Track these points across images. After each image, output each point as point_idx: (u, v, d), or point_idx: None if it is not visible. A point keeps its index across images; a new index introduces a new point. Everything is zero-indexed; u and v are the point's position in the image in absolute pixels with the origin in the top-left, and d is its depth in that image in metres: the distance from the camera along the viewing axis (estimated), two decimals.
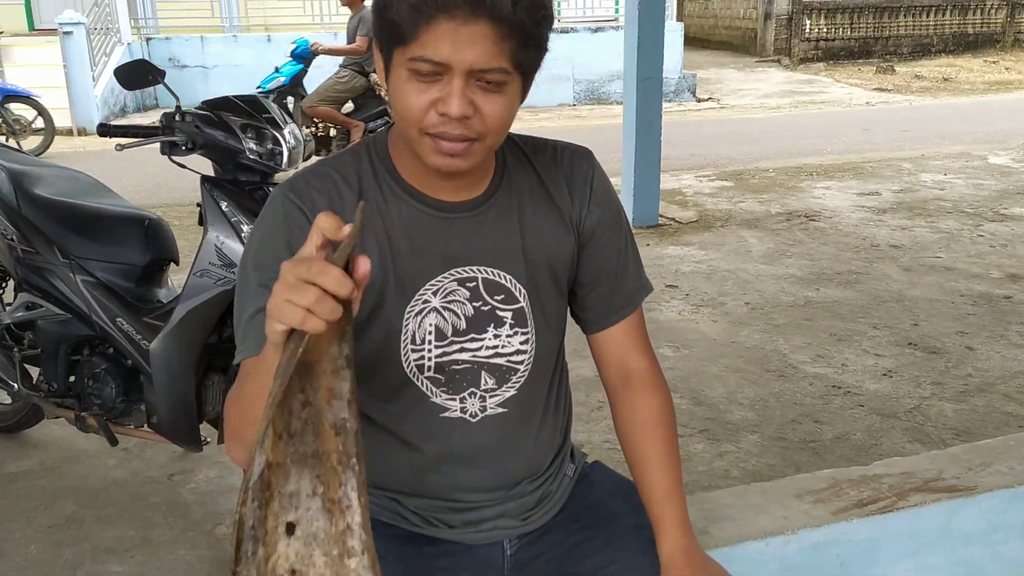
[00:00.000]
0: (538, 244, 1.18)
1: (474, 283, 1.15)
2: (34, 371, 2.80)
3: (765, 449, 3.01)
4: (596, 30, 12.76)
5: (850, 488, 1.89)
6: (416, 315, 1.13)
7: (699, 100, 12.79)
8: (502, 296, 1.16)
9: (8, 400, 3.02)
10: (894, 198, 6.58)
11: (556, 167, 1.22)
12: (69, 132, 10.64)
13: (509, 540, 1.25)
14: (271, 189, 2.41)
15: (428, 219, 1.14)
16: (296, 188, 1.11)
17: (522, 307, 1.18)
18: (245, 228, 2.33)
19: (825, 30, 17.33)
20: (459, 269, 1.14)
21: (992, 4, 18.26)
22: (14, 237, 2.65)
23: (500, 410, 1.18)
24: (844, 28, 17.32)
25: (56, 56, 10.85)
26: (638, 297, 1.28)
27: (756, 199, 6.61)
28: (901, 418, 3.24)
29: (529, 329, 1.18)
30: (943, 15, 17.61)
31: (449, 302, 1.14)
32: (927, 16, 17.65)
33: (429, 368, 1.15)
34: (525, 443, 1.23)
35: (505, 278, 1.17)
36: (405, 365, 1.14)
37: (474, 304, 1.15)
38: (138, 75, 2.46)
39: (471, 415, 1.17)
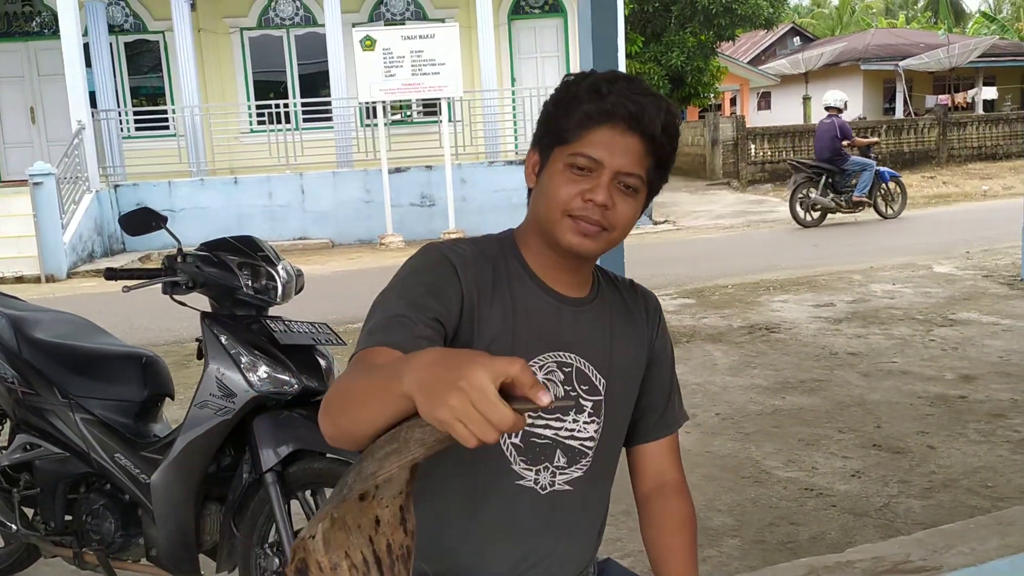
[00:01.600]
0: (621, 350, 1.38)
1: (569, 369, 1.32)
2: (28, 511, 2.84)
3: (746, 552, 3.11)
4: None
5: (826, 574, 2.03)
6: None
7: (656, 223, 13.27)
8: (587, 387, 1.33)
9: (1, 543, 3.04)
10: (848, 308, 6.87)
11: (635, 294, 1.45)
12: (37, 280, 10.74)
13: None
14: (267, 322, 2.57)
15: (544, 304, 1.32)
16: (447, 246, 1.30)
17: (600, 400, 1.35)
18: (244, 359, 2.45)
19: (769, 153, 18.19)
20: (561, 353, 1.31)
21: (924, 124, 19.35)
22: (15, 380, 2.75)
23: (566, 488, 1.32)
24: (787, 151, 18.19)
25: (25, 206, 11.06)
26: (680, 422, 1.48)
27: (718, 314, 6.87)
28: (872, 516, 3.36)
29: (601, 420, 1.35)
30: (879, 135, 18.59)
31: (547, 378, 1.30)
32: (864, 137, 18.61)
33: (516, 434, 1.27)
34: (579, 529, 1.36)
35: (592, 371, 1.34)
36: None
37: (565, 388, 1.31)
38: (141, 222, 2.62)
39: (541, 487, 1.31)
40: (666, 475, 1.45)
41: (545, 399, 0.81)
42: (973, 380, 4.91)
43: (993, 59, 28.06)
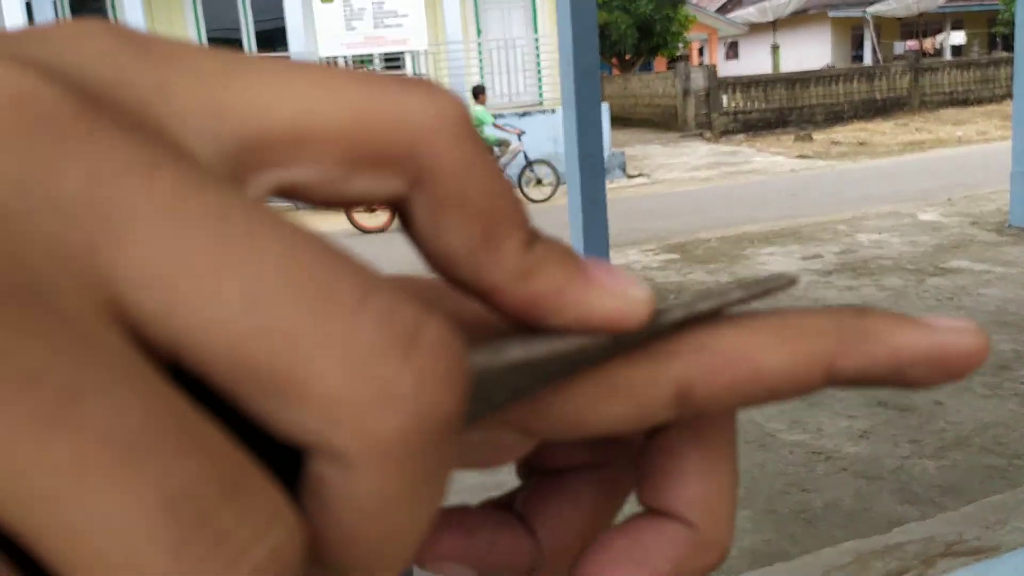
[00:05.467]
0: None
1: None
2: None
3: (758, 524, 2.92)
4: (523, 115, 13.00)
5: (875, 560, 1.83)
6: None
7: (630, 177, 13.04)
8: None
9: None
10: (836, 259, 6.70)
11: None
12: None
13: None
14: None
15: None
16: None
17: None
18: None
19: (742, 103, 17.98)
20: None
21: (896, 70, 19.22)
22: None
23: None
24: (759, 100, 18.00)
25: None
26: None
27: (704, 269, 6.67)
28: (886, 479, 3.19)
29: None
30: (851, 83, 18.46)
31: None
32: (836, 85, 18.47)
33: None
34: None
35: None
36: None
37: None
38: None
39: None
40: None
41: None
42: None
43: (961, 3, 27.97)
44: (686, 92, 18.08)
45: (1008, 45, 26.11)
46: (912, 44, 27.19)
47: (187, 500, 0.12)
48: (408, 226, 0.17)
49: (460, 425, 0.14)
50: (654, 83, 20.17)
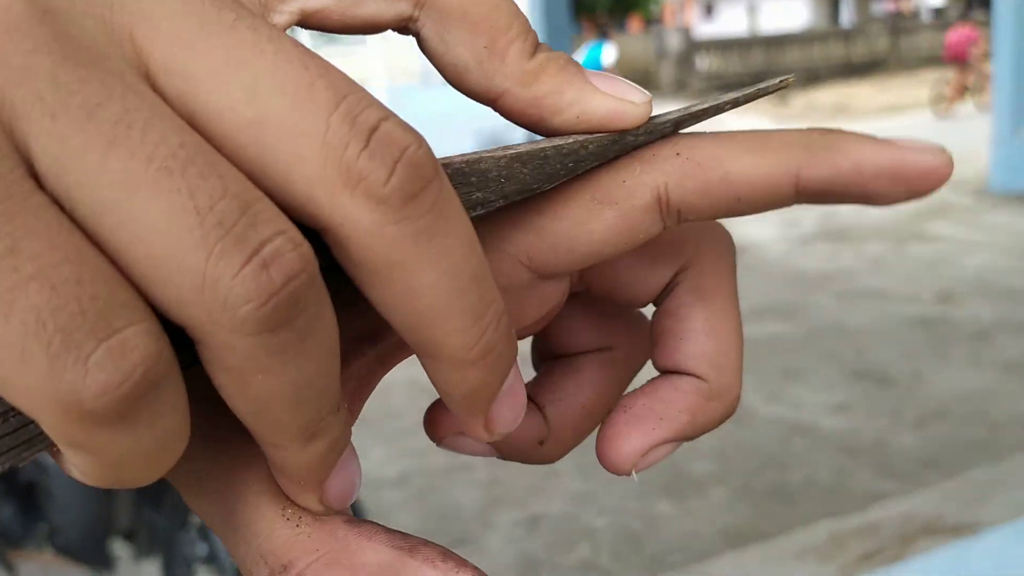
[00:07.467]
0: None
1: None
2: None
3: (733, 502, 2.84)
4: None
5: (851, 539, 1.73)
6: None
7: None
8: None
9: None
10: (815, 227, 6.61)
11: None
12: None
13: None
14: None
15: None
16: None
17: None
18: None
19: (718, 65, 17.79)
20: None
21: (875, 31, 19.08)
22: None
23: None
24: (735, 62, 17.82)
25: None
26: None
27: None
28: (864, 454, 3.12)
29: None
30: (828, 44, 18.30)
31: None
32: (814, 46, 18.31)
33: None
34: None
35: None
36: None
37: None
38: None
39: None
40: None
41: None
42: (952, 300, 4.69)
43: None
44: (661, 54, 17.86)
45: (986, 5, 26.04)
46: (890, 5, 27.02)
47: (213, 208, 0.15)
48: (422, 46, 0.20)
49: (439, 194, 0.17)
50: (629, 44, 19.91)
